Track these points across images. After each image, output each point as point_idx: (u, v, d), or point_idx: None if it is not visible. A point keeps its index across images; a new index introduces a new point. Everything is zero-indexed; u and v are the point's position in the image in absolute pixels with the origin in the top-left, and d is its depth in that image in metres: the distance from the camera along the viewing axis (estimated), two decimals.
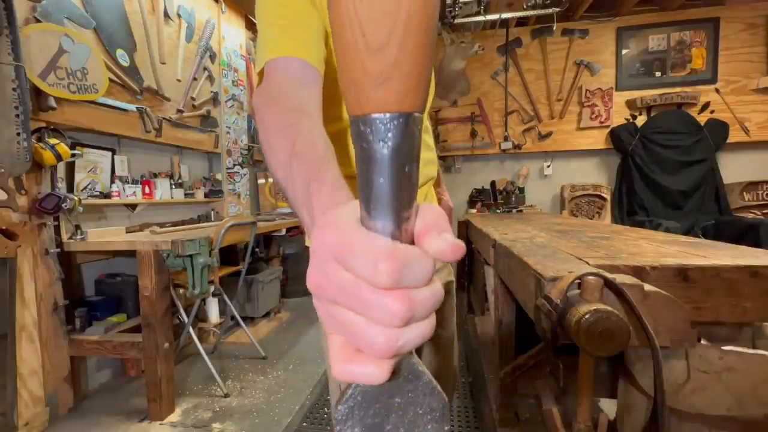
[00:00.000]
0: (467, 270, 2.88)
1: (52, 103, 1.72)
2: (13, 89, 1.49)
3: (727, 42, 3.78)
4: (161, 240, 1.73)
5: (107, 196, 2.12)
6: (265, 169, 3.70)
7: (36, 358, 1.65)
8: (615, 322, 0.54)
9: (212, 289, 2.20)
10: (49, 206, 1.64)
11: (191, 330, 2.00)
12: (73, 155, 1.74)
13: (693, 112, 3.85)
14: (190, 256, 1.79)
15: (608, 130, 4.02)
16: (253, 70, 3.38)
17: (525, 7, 3.63)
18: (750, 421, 0.68)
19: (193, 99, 2.79)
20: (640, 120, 3.95)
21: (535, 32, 4.11)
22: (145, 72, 2.33)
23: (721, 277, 0.67)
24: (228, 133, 3.22)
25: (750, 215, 3.57)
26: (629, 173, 3.91)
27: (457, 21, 3.63)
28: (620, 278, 0.62)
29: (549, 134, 4.15)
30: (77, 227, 1.86)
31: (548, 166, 4.26)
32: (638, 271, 0.69)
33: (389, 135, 0.19)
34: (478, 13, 3.62)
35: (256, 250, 3.31)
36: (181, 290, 2.03)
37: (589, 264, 0.73)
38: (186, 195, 2.68)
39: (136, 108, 2.23)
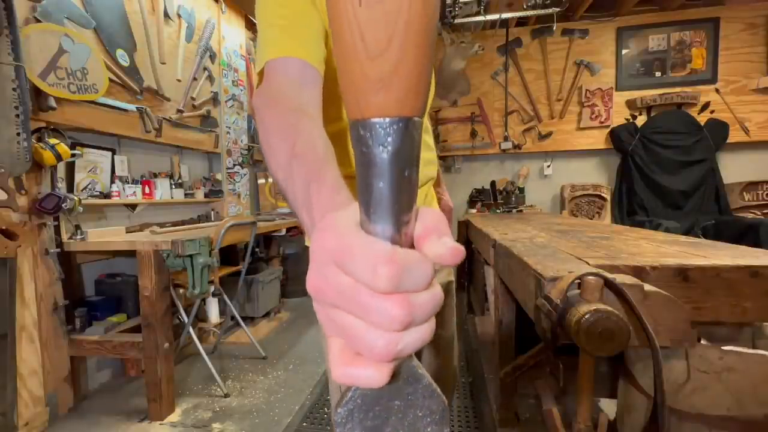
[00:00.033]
0: (467, 270, 2.88)
1: (52, 103, 1.72)
2: (13, 89, 1.49)
3: (727, 42, 3.78)
4: (161, 240, 1.73)
5: (107, 196, 2.12)
6: (265, 169, 3.70)
7: (36, 358, 1.65)
8: (615, 322, 0.54)
9: (212, 289, 2.20)
10: (49, 206, 1.64)
11: (191, 330, 2.00)
12: (73, 155, 1.74)
13: (693, 112, 3.85)
14: (190, 256, 1.79)
15: (608, 130, 4.02)
16: (253, 70, 3.38)
17: (525, 7, 3.63)
18: (750, 421, 0.68)
19: (193, 99, 2.79)
20: (640, 120, 3.95)
21: (535, 32, 4.11)
22: (145, 72, 2.33)
23: (721, 277, 0.67)
24: (228, 133, 3.22)
25: (750, 215, 3.57)
26: (629, 173, 3.91)
27: (457, 21, 3.63)
28: (620, 278, 0.62)
29: (549, 134, 4.15)
30: (77, 227, 1.86)
31: (548, 166, 4.26)
32: (638, 271, 0.69)
33: (389, 139, 0.19)
34: (478, 13, 3.62)
35: (256, 250, 3.31)
36: (181, 290, 2.03)
37: (589, 264, 0.73)
38: (186, 195, 2.68)
39: (136, 108, 2.23)
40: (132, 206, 2.33)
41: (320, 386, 2.03)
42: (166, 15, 2.54)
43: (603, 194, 4.02)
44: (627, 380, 0.81)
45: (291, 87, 0.51)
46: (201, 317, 2.69)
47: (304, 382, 2.08)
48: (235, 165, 3.32)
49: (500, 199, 4.10)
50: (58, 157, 1.65)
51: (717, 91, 3.82)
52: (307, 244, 0.66)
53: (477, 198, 4.23)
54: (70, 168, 1.97)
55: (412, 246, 0.21)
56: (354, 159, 0.20)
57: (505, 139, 4.18)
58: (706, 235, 3.17)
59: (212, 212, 2.98)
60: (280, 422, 1.72)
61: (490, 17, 3.72)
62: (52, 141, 1.66)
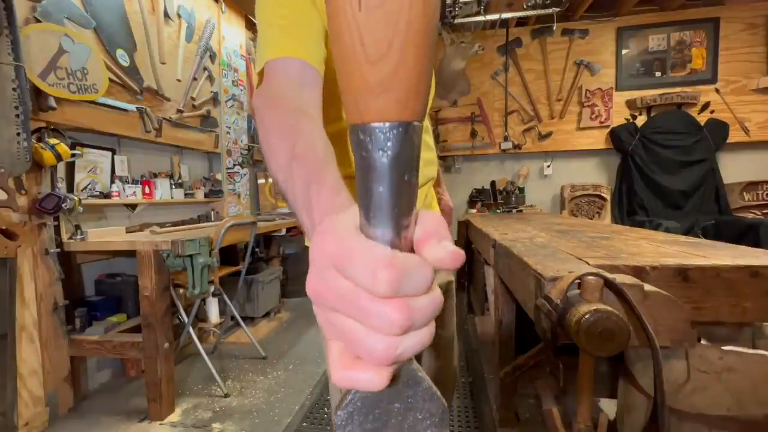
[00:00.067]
0: (467, 270, 2.88)
1: (52, 103, 1.72)
2: (13, 89, 1.49)
3: (727, 42, 3.78)
4: (161, 240, 1.73)
5: (107, 196, 2.12)
6: (265, 169, 3.70)
7: (36, 358, 1.65)
8: (615, 322, 0.54)
9: (212, 289, 2.20)
10: (49, 206, 1.64)
11: (191, 330, 2.00)
12: (73, 155, 1.74)
13: (693, 112, 3.85)
14: (190, 256, 1.79)
15: (608, 130, 4.02)
16: (253, 70, 3.38)
17: (525, 7, 3.63)
18: (750, 421, 0.68)
19: (193, 99, 2.79)
20: (640, 120, 3.95)
21: (535, 32, 4.11)
22: (145, 72, 2.33)
23: (721, 277, 0.67)
24: (228, 133, 3.22)
25: (750, 215, 3.57)
26: (629, 173, 3.91)
27: (457, 21, 3.63)
28: (620, 278, 0.62)
29: (549, 134, 4.15)
30: (77, 227, 1.86)
31: (548, 166, 4.26)
32: (638, 271, 0.69)
33: (389, 144, 0.19)
34: (478, 13, 3.62)
35: (256, 250, 3.31)
36: (181, 290, 2.03)
37: (589, 264, 0.73)
38: (186, 195, 2.68)
39: (136, 108, 2.23)
40: (132, 206, 2.33)
41: (320, 386, 2.03)
42: (166, 15, 2.54)
43: (603, 194, 4.02)
44: (627, 380, 0.81)
45: (291, 87, 0.51)
46: (201, 317, 2.69)
47: (304, 382, 2.08)
48: (235, 165, 3.32)
49: (500, 199, 4.10)
50: (58, 157, 1.65)
51: (717, 91, 3.82)
52: (307, 244, 0.66)
53: (477, 198, 4.23)
54: (70, 168, 1.97)
55: (411, 250, 0.21)
56: (354, 162, 0.20)
57: (505, 139, 4.18)
58: (706, 235, 3.17)
59: (212, 212, 2.98)
60: (280, 422, 1.72)
61: (490, 17, 3.72)
62: (52, 141, 1.66)
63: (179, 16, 2.68)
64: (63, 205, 1.66)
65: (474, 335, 2.39)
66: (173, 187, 2.57)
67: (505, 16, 3.76)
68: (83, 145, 2.02)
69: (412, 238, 0.21)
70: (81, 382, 1.93)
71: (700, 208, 3.72)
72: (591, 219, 3.99)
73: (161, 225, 2.37)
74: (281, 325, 3.01)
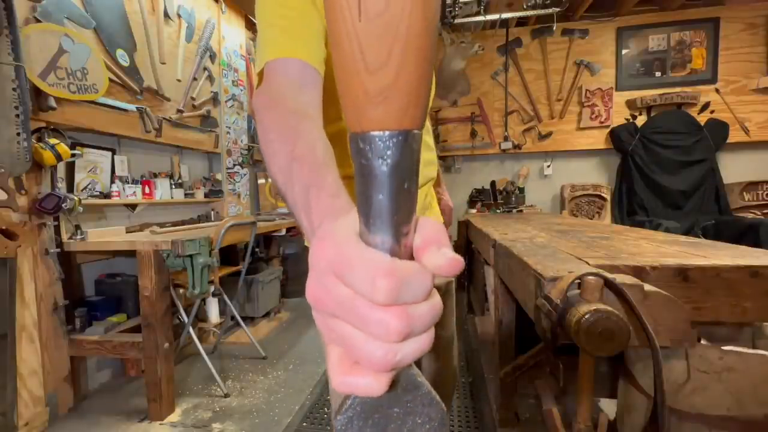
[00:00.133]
0: (467, 270, 2.88)
1: (52, 103, 1.72)
2: (13, 89, 1.49)
3: (727, 42, 3.78)
4: (161, 240, 1.73)
5: (107, 196, 2.12)
6: (265, 169, 3.69)
7: (36, 358, 1.65)
8: (615, 322, 0.54)
9: (212, 289, 2.20)
10: (49, 206, 1.64)
11: (191, 330, 2.00)
12: (73, 155, 1.74)
13: (693, 112, 3.85)
14: (190, 256, 1.79)
15: (608, 130, 4.02)
16: (253, 70, 3.38)
17: (525, 7, 3.63)
18: (750, 421, 0.68)
19: (193, 99, 2.79)
20: (640, 120, 3.95)
21: (535, 32, 4.11)
22: (145, 72, 2.33)
23: (721, 277, 0.67)
24: (228, 133, 3.22)
25: (750, 215, 3.57)
26: (629, 173, 3.91)
27: (457, 21, 3.63)
28: (620, 278, 0.62)
29: (549, 134, 4.15)
30: (77, 227, 1.86)
31: (548, 166, 4.26)
32: (638, 271, 0.69)
33: (388, 153, 0.19)
34: (478, 13, 3.62)
35: (256, 250, 3.31)
36: (181, 290, 2.03)
37: (589, 264, 0.73)
38: (186, 195, 2.68)
39: (136, 108, 2.23)
40: (132, 206, 2.33)
41: (320, 386, 2.03)
42: (166, 15, 2.54)
43: (603, 194, 4.02)
44: (627, 380, 0.81)
45: (291, 88, 0.51)
46: (201, 317, 2.69)
47: (304, 382, 2.08)
48: (235, 165, 3.32)
49: (500, 199, 4.10)
50: (58, 157, 1.65)
51: (717, 91, 3.82)
52: (306, 244, 0.66)
53: (477, 198, 4.23)
54: (70, 168, 1.97)
55: (411, 256, 0.21)
56: (354, 168, 0.21)
57: (505, 139, 4.18)
58: (706, 235, 3.17)
59: (212, 212, 2.98)
60: (280, 422, 1.72)
61: (490, 17, 3.72)
62: (52, 141, 1.66)
63: (179, 16, 2.68)
64: (63, 205, 1.66)
65: (474, 335, 2.39)
66: (173, 187, 2.57)
67: (505, 16, 3.76)
68: (83, 145, 2.02)
69: (411, 245, 0.21)
70: (81, 382, 1.93)
71: (700, 208, 3.72)
72: (591, 219, 3.99)
73: (161, 225, 2.37)
74: (281, 325, 3.01)
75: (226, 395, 1.95)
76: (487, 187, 4.26)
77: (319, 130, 0.44)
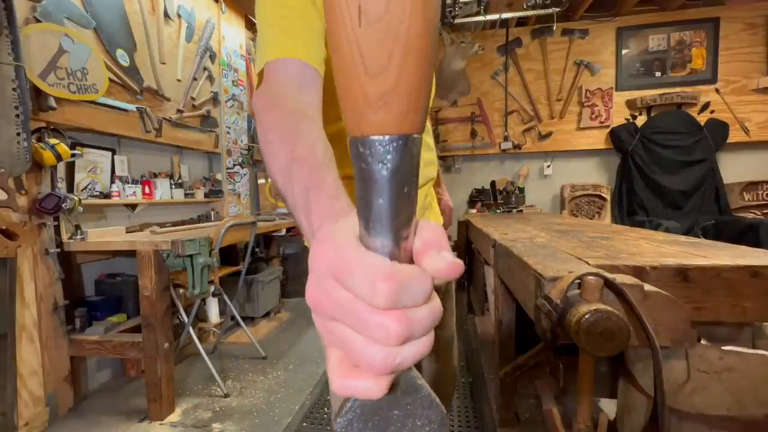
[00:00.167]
0: (467, 270, 2.88)
1: (52, 103, 1.72)
2: (13, 89, 1.49)
3: (727, 42, 3.78)
4: (161, 240, 1.73)
5: (107, 196, 2.12)
6: (265, 169, 3.69)
7: (36, 358, 1.65)
8: (615, 322, 0.54)
9: (212, 289, 2.20)
10: (49, 206, 1.64)
11: (191, 330, 2.00)
12: (73, 155, 1.74)
13: (693, 112, 3.85)
14: (190, 256, 1.79)
15: (608, 130, 4.02)
16: (253, 70, 3.38)
17: (525, 7, 3.63)
18: (750, 421, 0.68)
19: (193, 99, 2.79)
20: (640, 120, 3.95)
21: (535, 32, 4.11)
22: (145, 72, 2.33)
23: (721, 277, 0.67)
24: (228, 133, 3.22)
25: (750, 215, 3.57)
26: (629, 173, 3.91)
27: (457, 21, 3.63)
28: (620, 278, 0.62)
29: (549, 134, 4.15)
30: (77, 227, 1.86)
31: (548, 166, 4.26)
32: (638, 271, 0.69)
33: (388, 157, 0.19)
34: (478, 13, 3.62)
35: (256, 250, 3.31)
36: (181, 290, 2.03)
37: (589, 264, 0.73)
38: (186, 195, 2.68)
39: (136, 108, 2.23)
40: (132, 206, 2.33)
41: (320, 386, 2.03)
42: (166, 15, 2.54)
43: (603, 194, 4.02)
44: (627, 380, 0.81)
45: (291, 88, 0.51)
46: (201, 317, 2.69)
47: (304, 382, 2.08)
48: (235, 165, 3.32)
49: (500, 199, 4.10)
50: (58, 157, 1.65)
51: (717, 91, 3.82)
52: (306, 244, 0.66)
53: (477, 198, 4.23)
54: (70, 168, 1.97)
55: (411, 260, 0.21)
56: (354, 173, 0.21)
57: (505, 139, 4.18)
58: (706, 235, 3.17)
59: (212, 212, 2.98)
60: (280, 422, 1.72)
61: (490, 17, 3.72)
62: (52, 141, 1.66)
63: (179, 16, 2.68)
64: (63, 205, 1.66)
65: (474, 335, 2.39)
66: (173, 187, 2.57)
67: (505, 16, 3.76)
68: (83, 145, 2.02)
69: (411, 248, 0.21)
70: (81, 382, 1.93)
71: (700, 208, 3.72)
72: (591, 219, 3.99)
73: (161, 225, 2.37)
74: (281, 325, 3.01)
75: (226, 395, 1.95)
76: (487, 187, 4.26)
77: (319, 130, 0.44)
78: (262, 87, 0.53)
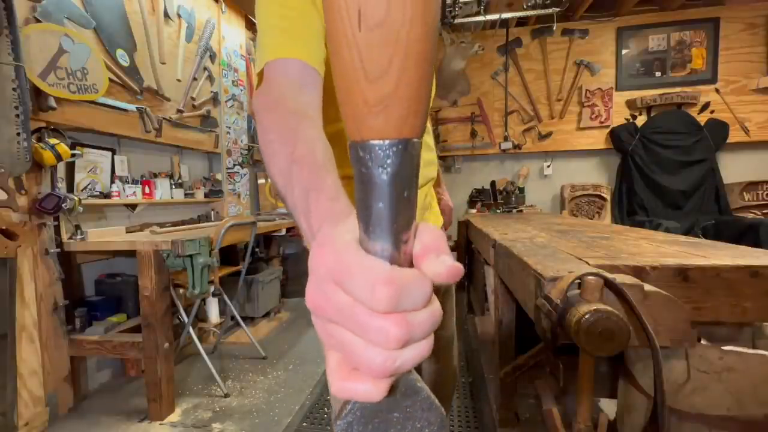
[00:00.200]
0: (467, 270, 2.88)
1: (52, 103, 1.72)
2: (13, 89, 1.49)
3: (727, 42, 3.78)
4: (161, 240, 1.73)
5: (107, 196, 2.12)
6: (265, 169, 3.70)
7: (36, 358, 1.65)
8: (615, 322, 0.54)
9: (212, 289, 2.20)
10: (49, 206, 1.64)
11: (191, 330, 2.00)
12: (73, 155, 1.74)
13: (693, 112, 3.85)
14: (190, 256, 1.79)
15: (608, 130, 4.02)
16: (253, 70, 3.38)
17: (525, 7, 3.63)
18: (750, 421, 0.68)
19: (193, 99, 2.79)
20: (640, 120, 3.95)
21: (535, 32, 4.11)
22: (145, 72, 2.33)
23: (721, 277, 0.67)
24: (228, 133, 3.22)
25: (750, 215, 3.57)
26: (629, 173, 3.91)
27: (457, 21, 3.63)
28: (620, 278, 0.62)
29: (549, 134, 4.15)
30: (77, 227, 1.86)
31: (548, 166, 4.26)
32: (638, 271, 0.69)
33: (388, 161, 0.19)
34: (478, 13, 3.62)
35: (256, 250, 3.31)
36: (181, 290, 2.03)
37: (589, 264, 0.73)
38: (186, 195, 2.68)
39: (136, 108, 2.23)
40: (132, 206, 2.33)
41: (320, 386, 2.03)
42: (166, 15, 2.54)
43: (603, 194, 4.02)
44: (627, 380, 0.81)
45: (291, 88, 0.51)
46: (201, 317, 2.69)
47: (304, 382, 2.08)
48: (235, 165, 3.32)
49: (500, 199, 4.10)
50: (58, 157, 1.65)
51: (717, 91, 3.82)
52: (306, 246, 0.66)
53: (477, 198, 4.23)
54: (70, 168, 1.97)
55: (411, 264, 0.21)
56: (353, 177, 0.21)
57: (505, 139, 4.18)
58: (706, 235, 3.17)
59: (212, 212, 2.98)
60: (280, 422, 1.72)
61: (490, 17, 3.72)
62: (52, 141, 1.66)
63: (179, 16, 2.68)
64: (63, 205, 1.66)
65: (474, 335, 2.39)
66: (173, 187, 2.57)
67: (505, 16, 3.76)
68: (83, 145, 2.02)
69: (411, 252, 0.21)
70: (81, 382, 1.93)
71: (700, 208, 3.72)
72: (591, 219, 3.99)
73: (161, 225, 2.37)
74: (281, 325, 3.01)
75: (226, 395, 1.95)
76: (487, 187, 4.26)
77: (318, 131, 0.44)
78: (262, 87, 0.53)
